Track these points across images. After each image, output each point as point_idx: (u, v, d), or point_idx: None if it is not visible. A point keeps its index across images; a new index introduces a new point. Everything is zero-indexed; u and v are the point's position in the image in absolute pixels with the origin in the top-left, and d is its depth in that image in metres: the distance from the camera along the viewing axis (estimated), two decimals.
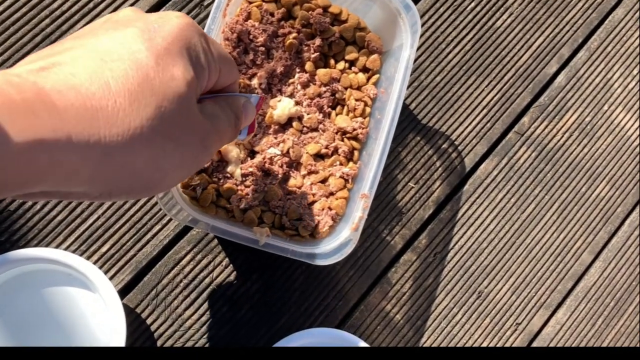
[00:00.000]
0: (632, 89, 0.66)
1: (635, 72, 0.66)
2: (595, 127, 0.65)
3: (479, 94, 0.62)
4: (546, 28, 0.65)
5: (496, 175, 0.61)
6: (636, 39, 0.67)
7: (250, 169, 0.50)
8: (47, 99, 0.24)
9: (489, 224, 0.60)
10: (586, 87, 0.65)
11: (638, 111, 0.66)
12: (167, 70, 0.28)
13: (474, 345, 0.58)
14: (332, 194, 0.51)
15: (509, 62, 0.63)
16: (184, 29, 0.30)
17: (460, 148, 0.61)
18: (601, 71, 0.66)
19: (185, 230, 0.54)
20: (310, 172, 0.51)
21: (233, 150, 0.50)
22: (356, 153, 0.52)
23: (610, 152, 0.65)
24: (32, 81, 0.24)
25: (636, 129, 0.65)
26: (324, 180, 0.52)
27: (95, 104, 0.25)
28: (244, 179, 0.50)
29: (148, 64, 0.27)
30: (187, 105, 0.29)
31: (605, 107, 0.65)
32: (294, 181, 0.51)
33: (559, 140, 0.63)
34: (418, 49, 0.61)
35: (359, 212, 0.48)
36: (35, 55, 0.26)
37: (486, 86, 0.62)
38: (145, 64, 0.27)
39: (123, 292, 0.53)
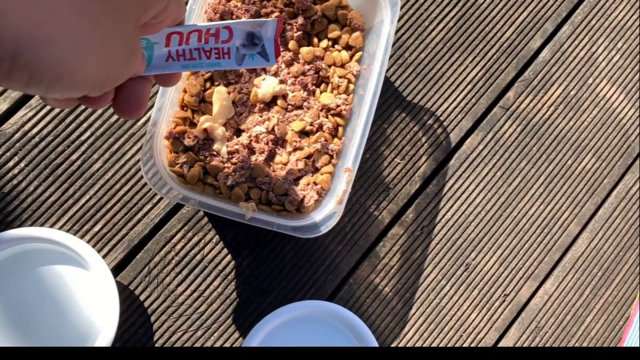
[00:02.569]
0: (617, 62, 0.67)
1: (619, 45, 0.67)
2: (580, 100, 0.65)
3: (463, 70, 0.63)
4: (529, 3, 0.65)
5: (482, 150, 0.62)
6: (620, 12, 0.67)
7: (236, 147, 0.51)
8: None
9: (475, 198, 0.61)
10: (570, 61, 0.66)
11: (623, 84, 0.66)
12: None
13: (462, 316, 0.59)
14: (317, 169, 0.52)
15: (492, 37, 0.64)
16: None
17: (445, 124, 0.62)
18: (585, 45, 0.66)
19: (176, 208, 0.56)
20: (295, 149, 0.53)
21: (219, 128, 0.51)
22: (340, 129, 0.53)
23: (596, 125, 0.65)
24: None
25: (621, 101, 0.66)
26: (309, 157, 0.53)
27: None
28: (230, 156, 0.51)
29: None
30: (128, 7, 0.27)
31: (590, 81, 0.66)
32: (280, 158, 0.52)
33: (544, 114, 0.64)
34: (401, 26, 0.62)
35: (343, 186, 0.49)
36: None
37: (470, 62, 0.63)
38: None
39: (116, 270, 0.54)
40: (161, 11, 0.31)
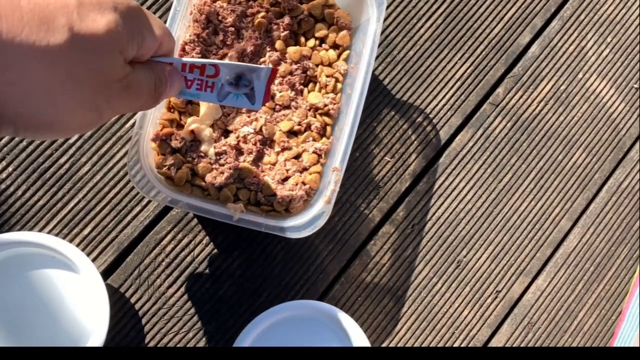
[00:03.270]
0: (607, 56, 0.66)
1: (609, 39, 0.67)
2: (570, 95, 0.65)
3: (452, 67, 0.63)
4: None
5: (472, 147, 0.62)
6: (609, 6, 0.67)
7: (224, 148, 0.51)
8: None
9: (465, 195, 0.61)
10: (560, 56, 0.66)
11: (613, 78, 0.66)
12: (90, 14, 0.28)
13: (454, 314, 0.59)
14: (305, 169, 0.52)
15: (481, 34, 0.64)
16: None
17: (435, 121, 0.62)
18: (575, 40, 0.66)
19: (165, 210, 0.55)
20: (283, 149, 0.52)
21: (206, 130, 0.51)
22: (328, 129, 0.53)
23: (586, 120, 0.65)
24: None
25: (611, 96, 0.66)
26: (297, 156, 0.53)
27: None
28: (218, 157, 0.51)
29: (70, 1, 0.27)
30: (101, 52, 0.28)
31: (580, 75, 0.66)
32: (268, 158, 0.52)
33: (534, 110, 0.64)
34: (390, 24, 0.62)
35: (331, 185, 0.49)
36: None
37: (459, 59, 0.63)
38: (66, 0, 0.27)
39: (106, 273, 0.54)
40: (141, 45, 0.32)
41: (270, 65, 0.40)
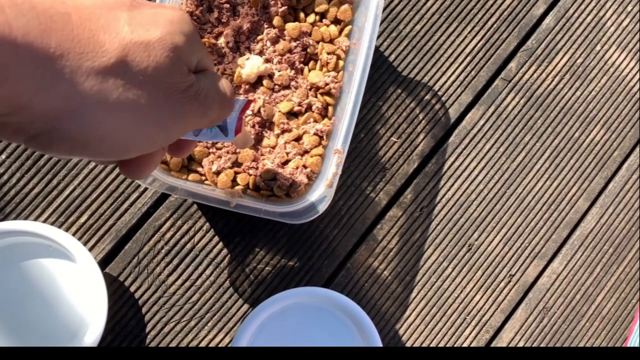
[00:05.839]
0: (627, 26, 0.63)
1: (629, 8, 0.63)
2: (588, 69, 0.62)
3: (461, 41, 0.60)
4: None
5: (483, 125, 0.59)
6: None
7: None
8: None
9: (477, 175, 0.59)
10: (577, 27, 0.62)
11: (633, 49, 0.62)
12: (143, 26, 0.26)
13: (465, 299, 0.57)
14: (306, 152, 0.50)
15: (492, 5, 0.60)
16: (178, 17, 0.29)
17: (443, 99, 0.59)
18: (592, 9, 0.62)
19: (164, 197, 0.54)
20: (283, 131, 0.50)
21: None
22: (330, 109, 0.51)
23: (605, 94, 0.62)
24: None
25: (632, 68, 0.62)
26: (298, 139, 0.50)
27: (61, 10, 0.24)
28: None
29: (121, 16, 0.26)
30: (159, 59, 0.26)
31: (598, 48, 0.62)
32: (267, 141, 0.50)
33: (549, 85, 0.61)
34: None
35: (333, 168, 0.47)
36: None
37: (469, 32, 0.60)
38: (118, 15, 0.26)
39: (105, 262, 0.53)
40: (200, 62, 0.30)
41: (247, 98, 0.38)
